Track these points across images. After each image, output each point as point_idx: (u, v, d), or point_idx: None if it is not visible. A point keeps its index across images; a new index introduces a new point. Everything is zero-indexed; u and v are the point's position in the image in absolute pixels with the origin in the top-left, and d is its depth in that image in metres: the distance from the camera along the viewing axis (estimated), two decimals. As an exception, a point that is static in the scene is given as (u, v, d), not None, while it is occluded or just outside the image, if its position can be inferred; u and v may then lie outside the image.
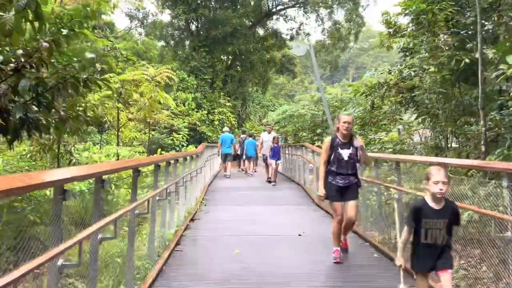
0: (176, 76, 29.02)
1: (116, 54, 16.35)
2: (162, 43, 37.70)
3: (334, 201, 5.24)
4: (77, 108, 6.38)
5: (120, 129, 12.73)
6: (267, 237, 6.47)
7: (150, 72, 14.61)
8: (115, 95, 9.93)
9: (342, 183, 5.18)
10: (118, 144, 11.34)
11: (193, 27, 32.74)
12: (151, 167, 5.51)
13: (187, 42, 32.81)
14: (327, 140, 5.42)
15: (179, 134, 21.44)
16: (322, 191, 5.27)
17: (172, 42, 34.88)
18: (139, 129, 19.77)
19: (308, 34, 33.21)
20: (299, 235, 6.56)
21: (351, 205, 5.19)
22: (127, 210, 3.97)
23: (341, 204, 5.23)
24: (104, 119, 12.66)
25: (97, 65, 4.33)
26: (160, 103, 16.42)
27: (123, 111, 11.93)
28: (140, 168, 4.36)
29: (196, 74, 30.06)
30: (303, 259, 5.38)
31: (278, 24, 73.30)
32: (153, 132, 20.13)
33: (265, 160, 14.06)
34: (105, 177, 3.34)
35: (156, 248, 5.36)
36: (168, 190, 6.10)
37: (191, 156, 8.68)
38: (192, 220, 7.85)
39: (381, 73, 11.95)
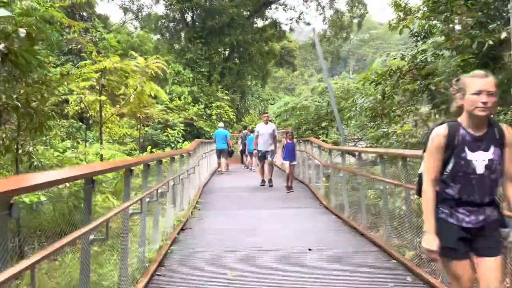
0: (171, 69, 27.83)
1: (98, 44, 15.03)
2: (157, 36, 36.52)
3: (455, 258, 2.49)
4: (38, 96, 5.22)
5: (106, 125, 11.53)
6: (271, 254, 5.31)
7: (139, 62, 13.43)
8: (95, 86, 8.74)
9: (471, 221, 2.50)
10: (101, 142, 10.15)
11: (188, 17, 31.46)
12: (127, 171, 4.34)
13: (183, 34, 31.54)
14: (440, 130, 2.50)
15: (175, 129, 20.24)
16: (432, 242, 2.46)
17: (167, 35, 33.67)
18: (132, 125, 18.62)
19: (308, 24, 31.93)
20: (309, 249, 5.40)
21: (490, 265, 2.46)
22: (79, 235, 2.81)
23: (469, 264, 2.50)
24: (89, 114, 11.49)
25: (20, 30, 3.14)
26: (151, 96, 15.26)
27: (106, 105, 10.72)
28: (95, 178, 3.19)
29: (192, 67, 28.83)
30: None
31: (277, 13, 71.77)
32: (146, 128, 18.95)
33: (262, 157, 11.37)
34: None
35: (131, 275, 4.21)
36: (148, 200, 4.93)
37: (181, 155, 7.51)
38: (182, 230, 6.70)
39: (394, 58, 10.76)
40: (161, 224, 5.96)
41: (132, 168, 4.39)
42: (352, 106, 12.24)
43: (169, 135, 19.20)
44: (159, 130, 19.19)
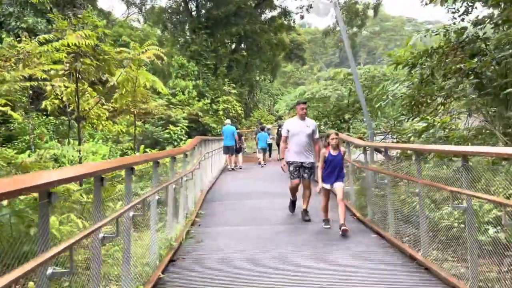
0: (174, 61, 26.05)
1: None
2: (161, 30, 34.85)
3: None
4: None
5: (91, 120, 9.73)
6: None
7: (133, 48, 11.63)
8: (66, 71, 6.93)
9: None
10: (79, 142, 8.30)
11: (192, 7, 29.61)
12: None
13: (187, 26, 29.72)
14: None
15: (178, 126, 18.42)
16: None
17: (170, 27, 31.86)
18: (131, 122, 16.86)
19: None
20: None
21: None
22: None
23: None
24: (70, 108, 9.70)
25: None
26: (149, 88, 13.47)
27: (87, 96, 8.87)
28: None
29: (197, 60, 27.03)
30: None
31: (287, 2, 69.43)
32: (146, 125, 17.16)
33: (295, 172, 6.93)
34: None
35: None
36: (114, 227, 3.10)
37: (173, 157, 5.66)
38: (172, 261, 4.86)
39: (436, 34, 8.79)
40: (143, 255, 4.12)
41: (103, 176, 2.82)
42: (383, 95, 10.31)
43: (171, 132, 17.37)
44: (160, 127, 17.37)
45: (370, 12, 32.84)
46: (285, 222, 6.92)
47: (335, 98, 11.72)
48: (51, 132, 13.39)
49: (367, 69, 12.48)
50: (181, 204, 6.61)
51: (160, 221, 5.91)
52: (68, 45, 6.74)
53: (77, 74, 7.39)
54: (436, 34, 8.90)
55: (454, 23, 9.41)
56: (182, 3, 29.48)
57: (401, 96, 9.23)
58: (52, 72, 7.63)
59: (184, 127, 18.50)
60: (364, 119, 11.43)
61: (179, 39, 28.53)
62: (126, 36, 29.00)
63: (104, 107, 15.01)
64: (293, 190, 7.15)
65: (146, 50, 11.93)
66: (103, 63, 7.71)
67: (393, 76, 10.71)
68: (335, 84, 12.09)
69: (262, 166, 16.04)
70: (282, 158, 7.16)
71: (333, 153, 6.20)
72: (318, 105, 12.19)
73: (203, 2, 28.75)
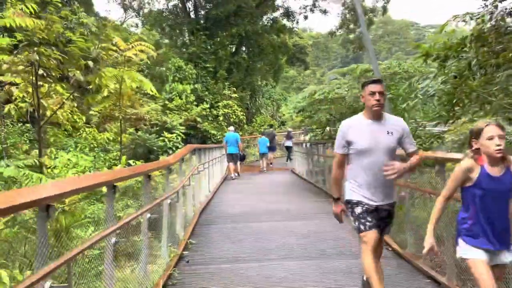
0: (171, 64, 24.55)
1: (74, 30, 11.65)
2: (159, 33, 33.44)
3: None
4: None
5: (65, 126, 8.15)
6: None
7: (118, 44, 10.12)
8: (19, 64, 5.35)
9: None
10: (40, 151, 6.68)
11: (190, 7, 28.17)
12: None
13: (185, 28, 28.25)
14: None
15: (173, 133, 16.83)
16: None
17: (168, 29, 30.40)
18: (124, 129, 15.31)
19: (325, 12, 28.36)
20: None
21: None
22: None
23: None
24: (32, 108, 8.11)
25: None
26: (140, 92, 11.97)
27: (51, 95, 7.28)
28: None
29: (196, 62, 25.51)
30: None
31: (289, 1, 68.04)
32: (139, 132, 15.58)
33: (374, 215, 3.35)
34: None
35: None
36: None
37: (147, 176, 4.05)
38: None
39: (476, 17, 7.23)
40: None
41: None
42: (410, 93, 8.72)
43: (166, 140, 15.80)
44: (155, 134, 15.80)
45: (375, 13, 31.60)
46: (303, 255, 5.29)
47: (352, 99, 10.16)
48: (27, 141, 11.82)
49: (388, 64, 10.85)
50: (163, 234, 5.01)
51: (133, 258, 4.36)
52: (12, 30, 5.18)
53: (36, 68, 5.84)
54: (478, 18, 7.34)
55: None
56: (180, 4, 28.06)
57: (435, 93, 7.63)
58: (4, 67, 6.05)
59: (181, 134, 16.90)
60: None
61: (177, 41, 27.02)
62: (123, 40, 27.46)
63: (91, 112, 13.39)
64: (371, 256, 3.23)
65: (132, 47, 10.41)
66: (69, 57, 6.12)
67: (419, 72, 9.11)
68: (350, 82, 10.47)
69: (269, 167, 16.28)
70: (336, 198, 3.52)
71: (494, 171, 2.64)
72: (329, 107, 10.61)
73: (201, 1, 27.32)
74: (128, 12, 41.51)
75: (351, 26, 27.15)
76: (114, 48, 9.02)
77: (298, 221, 6.51)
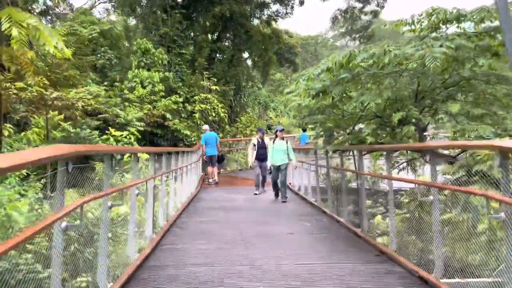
0: (136, 46, 19.80)
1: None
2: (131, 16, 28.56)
3: None
4: None
5: None
6: None
7: None
8: None
9: None
10: None
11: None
12: None
13: (157, 3, 23.41)
14: None
15: (128, 130, 12.06)
16: None
17: (138, 10, 25.58)
18: (55, 123, 10.48)
19: (325, -5, 24.05)
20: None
21: None
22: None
23: None
24: None
25: None
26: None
27: None
28: None
29: (170, 47, 20.78)
30: None
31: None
32: (72, 129, 10.69)
33: None
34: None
35: None
36: None
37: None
38: None
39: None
40: None
41: None
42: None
43: (112, 139, 10.99)
44: (97, 130, 11.00)
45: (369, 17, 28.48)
46: None
47: (407, 80, 5.65)
48: None
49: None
50: None
51: None
52: None
53: None
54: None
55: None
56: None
57: None
58: None
59: (136, 132, 12.13)
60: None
61: (149, 20, 22.12)
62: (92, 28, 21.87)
63: None
64: None
65: None
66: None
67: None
68: (406, 45, 5.88)
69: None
70: None
71: None
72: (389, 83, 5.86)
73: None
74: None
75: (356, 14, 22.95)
76: None
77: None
